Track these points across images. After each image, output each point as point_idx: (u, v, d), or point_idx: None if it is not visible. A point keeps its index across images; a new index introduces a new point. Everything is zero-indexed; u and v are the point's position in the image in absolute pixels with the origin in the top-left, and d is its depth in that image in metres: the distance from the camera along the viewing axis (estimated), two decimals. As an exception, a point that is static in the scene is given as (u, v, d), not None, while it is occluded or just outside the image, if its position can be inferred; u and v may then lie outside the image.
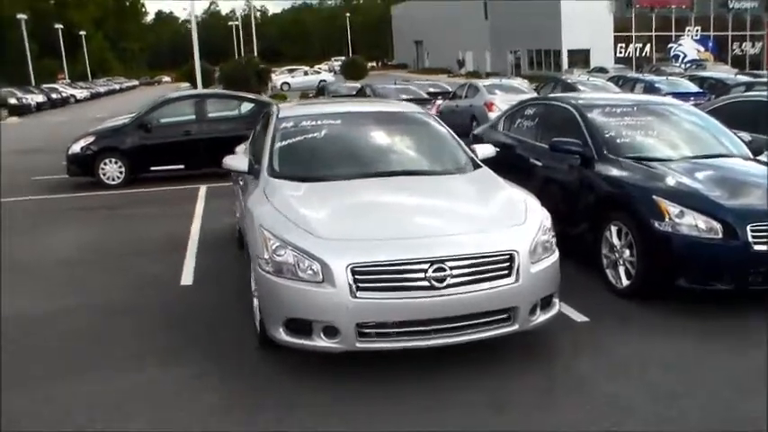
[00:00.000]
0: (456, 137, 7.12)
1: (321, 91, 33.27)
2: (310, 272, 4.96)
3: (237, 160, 6.98)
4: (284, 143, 6.81)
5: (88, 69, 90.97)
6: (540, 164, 8.33)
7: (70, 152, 15.06)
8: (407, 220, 5.42)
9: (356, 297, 4.86)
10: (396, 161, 6.76)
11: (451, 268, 4.93)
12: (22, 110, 46.14)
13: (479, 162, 6.77)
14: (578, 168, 7.50)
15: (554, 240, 5.58)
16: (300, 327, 5.05)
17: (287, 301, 5.08)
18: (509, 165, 9.18)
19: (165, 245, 9.46)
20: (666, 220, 6.18)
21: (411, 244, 5.05)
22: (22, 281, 8.14)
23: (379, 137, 7.15)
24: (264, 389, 5.16)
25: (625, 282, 6.66)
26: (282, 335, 5.14)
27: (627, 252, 6.60)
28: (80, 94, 64.31)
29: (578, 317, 6.24)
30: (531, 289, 5.16)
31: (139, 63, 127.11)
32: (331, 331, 4.97)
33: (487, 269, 5.07)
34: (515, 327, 5.19)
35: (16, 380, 5.39)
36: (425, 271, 4.89)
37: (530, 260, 5.16)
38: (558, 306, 5.56)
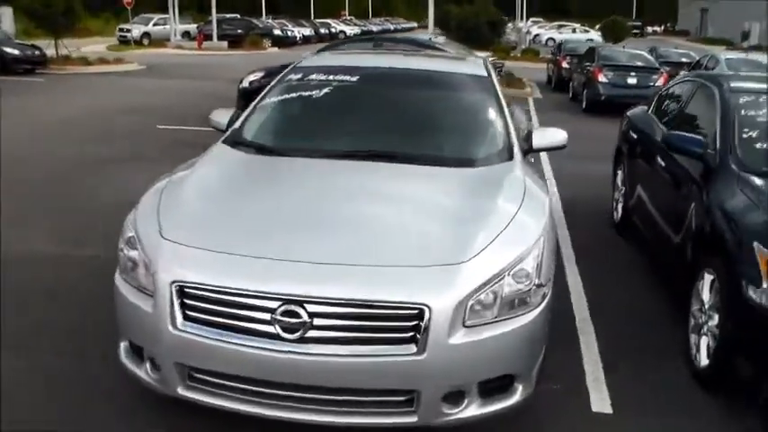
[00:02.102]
0: (506, 114, 5.06)
1: (559, 48, 30.49)
2: (149, 280, 3.45)
3: (221, 115, 5.33)
4: (271, 100, 5.33)
5: (370, 8, 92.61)
6: (662, 163, 6.00)
7: (241, 86, 14.25)
8: (300, 232, 3.60)
9: (177, 328, 3.27)
10: (391, 139, 4.86)
11: (313, 315, 3.14)
12: (286, 41, 47.30)
13: (517, 152, 4.72)
14: (695, 179, 5.15)
15: (537, 292, 3.51)
16: (136, 349, 3.62)
17: (122, 313, 3.65)
18: (638, 160, 6.99)
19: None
20: (764, 285, 3.83)
21: (264, 268, 3.30)
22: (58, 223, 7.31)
23: (395, 103, 5.22)
24: None
25: (704, 360, 4.37)
26: (121, 354, 3.72)
27: (715, 318, 4.29)
28: (350, 30, 65.29)
29: (601, 403, 4.12)
30: (448, 367, 3.21)
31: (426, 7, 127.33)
32: (155, 365, 3.48)
33: (375, 327, 3.19)
34: (414, 419, 3.27)
35: None
36: (273, 311, 3.15)
37: (454, 322, 3.19)
38: (519, 396, 3.47)
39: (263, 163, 4.62)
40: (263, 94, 5.45)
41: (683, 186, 5.33)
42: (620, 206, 7.46)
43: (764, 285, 3.79)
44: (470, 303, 3.25)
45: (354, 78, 5.34)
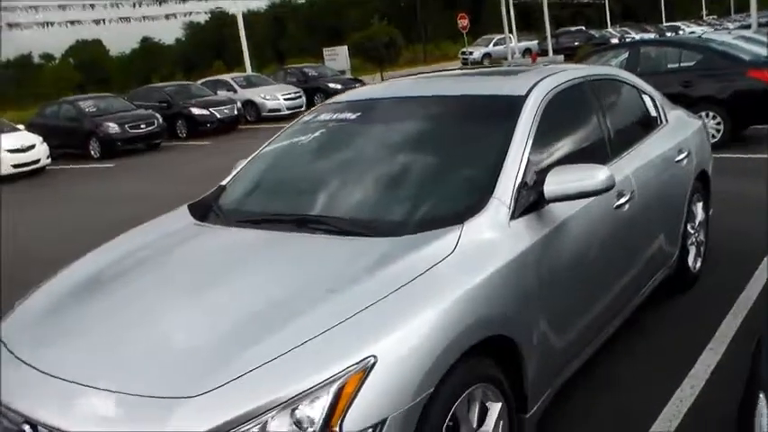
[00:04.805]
0: (514, 151, 3.41)
1: None
2: None
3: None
4: (269, 148, 4.45)
5: (732, 5, 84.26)
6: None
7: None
8: (90, 338, 2.79)
9: None
10: (337, 198, 3.65)
11: None
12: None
13: (492, 210, 3.14)
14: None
15: None
16: None
17: None
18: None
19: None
20: None
21: (25, 379, 2.63)
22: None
23: (377, 146, 3.99)
24: None
25: None
26: None
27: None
28: (699, 30, 59.57)
29: None
30: None
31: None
32: None
33: None
34: None
35: None
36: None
37: None
38: None
39: (175, 238, 3.66)
40: (271, 139, 4.55)
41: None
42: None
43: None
44: None
45: (353, 116, 4.20)
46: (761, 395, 2.01)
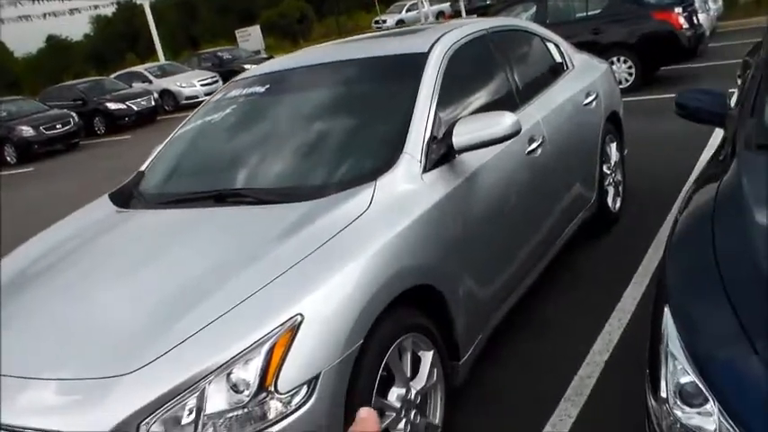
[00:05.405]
0: (421, 108, 3.46)
1: None
2: None
3: None
4: (184, 130, 4.41)
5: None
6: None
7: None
8: (35, 328, 2.77)
9: None
10: (253, 169, 3.70)
11: None
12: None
13: (402, 167, 3.20)
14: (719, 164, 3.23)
15: (277, 403, 2.31)
16: None
17: None
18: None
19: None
20: (662, 392, 2.05)
21: None
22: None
23: (286, 117, 4.02)
24: None
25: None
26: None
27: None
28: None
29: None
30: None
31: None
32: None
33: None
34: None
35: None
36: None
37: None
38: None
39: (99, 227, 3.62)
40: (184, 121, 4.53)
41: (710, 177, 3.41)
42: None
43: (662, 392, 2.04)
44: (143, 429, 2.25)
45: (263, 89, 4.21)
46: (666, 308, 2.14)
